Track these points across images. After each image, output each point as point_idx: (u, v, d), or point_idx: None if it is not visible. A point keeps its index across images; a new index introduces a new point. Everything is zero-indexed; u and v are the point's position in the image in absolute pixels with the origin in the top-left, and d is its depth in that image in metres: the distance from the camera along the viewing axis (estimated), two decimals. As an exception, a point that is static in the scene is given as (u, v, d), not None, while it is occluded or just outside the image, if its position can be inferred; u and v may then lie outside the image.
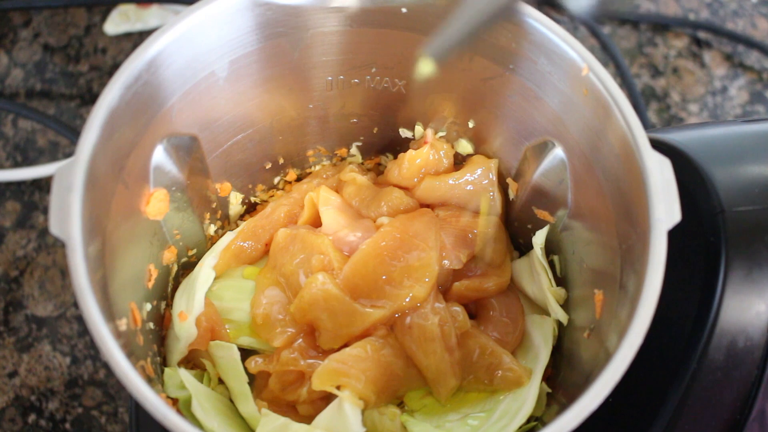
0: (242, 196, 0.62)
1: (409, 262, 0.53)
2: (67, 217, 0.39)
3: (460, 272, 0.56)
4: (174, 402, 0.51)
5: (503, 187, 0.59)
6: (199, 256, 0.58)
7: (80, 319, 0.69)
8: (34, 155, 0.77)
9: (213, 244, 0.59)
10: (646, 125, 0.81)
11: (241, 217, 0.63)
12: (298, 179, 0.64)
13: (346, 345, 0.52)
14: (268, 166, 0.61)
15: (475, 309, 0.58)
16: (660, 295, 0.39)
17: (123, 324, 0.45)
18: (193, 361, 0.55)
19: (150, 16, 0.83)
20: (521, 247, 0.61)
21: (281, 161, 0.62)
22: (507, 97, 0.53)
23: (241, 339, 0.55)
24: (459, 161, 0.60)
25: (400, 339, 0.53)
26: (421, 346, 0.52)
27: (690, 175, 0.49)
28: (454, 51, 0.28)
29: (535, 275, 0.56)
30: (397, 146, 0.62)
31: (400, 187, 0.59)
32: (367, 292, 0.53)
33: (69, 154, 0.77)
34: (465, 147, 0.59)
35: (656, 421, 0.47)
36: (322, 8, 0.49)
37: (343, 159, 0.64)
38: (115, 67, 0.75)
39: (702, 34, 0.88)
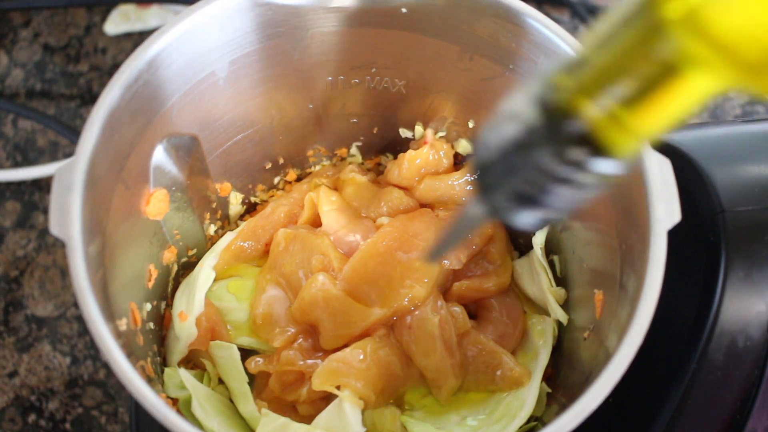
0: (242, 196, 0.62)
1: (409, 263, 0.53)
2: (67, 217, 0.39)
3: (460, 272, 0.56)
4: (174, 402, 0.51)
5: (503, 187, 0.59)
6: (199, 256, 0.58)
7: (80, 319, 0.69)
8: (34, 155, 0.77)
9: (213, 244, 0.59)
10: (646, 125, 0.80)
11: (241, 217, 0.63)
12: (298, 179, 0.64)
13: (346, 345, 0.52)
14: (268, 166, 0.61)
15: (475, 309, 0.58)
16: (660, 295, 0.39)
17: (123, 324, 0.45)
18: (193, 361, 0.55)
19: (150, 16, 0.83)
20: (521, 247, 0.61)
21: (281, 161, 0.62)
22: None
23: (241, 339, 0.55)
24: (459, 161, 0.60)
25: (400, 339, 0.53)
26: (421, 346, 0.52)
27: (690, 175, 0.49)
28: (444, 254, 0.39)
29: (535, 275, 0.56)
30: (397, 146, 0.62)
31: (400, 187, 0.59)
32: (367, 292, 0.53)
33: (69, 154, 0.77)
34: (465, 147, 0.59)
35: (656, 421, 0.47)
36: (322, 8, 0.49)
37: (343, 159, 0.64)
38: (115, 67, 0.75)
39: (702, 34, 0.88)
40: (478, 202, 0.32)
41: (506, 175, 0.29)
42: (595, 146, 0.27)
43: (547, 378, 0.54)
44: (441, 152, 0.59)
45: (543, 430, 0.37)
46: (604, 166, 0.27)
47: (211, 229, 0.60)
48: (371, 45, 0.52)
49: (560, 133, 0.27)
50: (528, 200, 0.29)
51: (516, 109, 0.29)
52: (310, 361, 0.53)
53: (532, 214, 0.30)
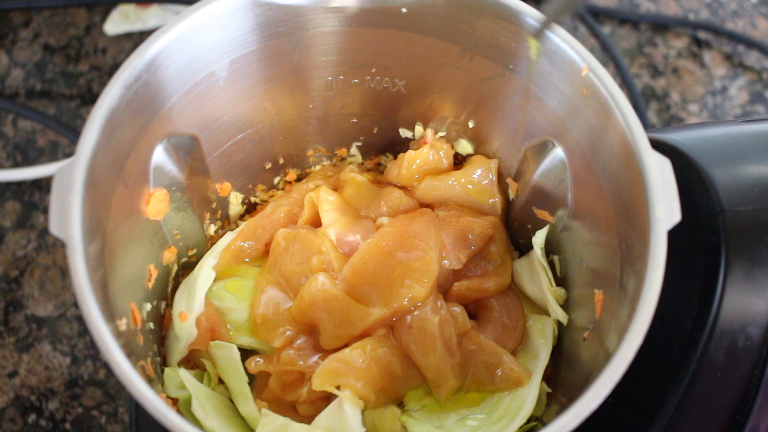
0: (242, 196, 0.62)
1: (409, 263, 0.53)
2: (67, 217, 0.39)
3: (460, 272, 0.56)
4: (174, 402, 0.51)
5: (503, 187, 0.59)
6: (199, 256, 0.58)
7: (80, 319, 0.69)
8: (34, 155, 0.77)
9: (213, 244, 0.59)
10: (646, 125, 0.81)
11: (241, 217, 0.63)
12: (298, 179, 0.64)
13: (346, 345, 0.52)
14: (268, 166, 0.61)
15: (475, 309, 0.58)
16: (660, 295, 0.39)
17: (123, 324, 0.45)
18: (193, 361, 0.55)
19: (150, 16, 0.83)
20: (521, 247, 0.61)
21: (281, 161, 0.62)
22: (507, 97, 0.53)
23: (241, 339, 0.55)
24: (459, 161, 0.60)
25: (400, 339, 0.53)
26: (421, 346, 0.52)
27: (690, 175, 0.49)
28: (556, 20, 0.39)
29: (535, 275, 0.56)
30: (397, 146, 0.62)
31: (400, 187, 0.59)
32: (367, 292, 0.53)
33: (69, 154, 0.77)
34: (465, 147, 0.59)
35: (656, 421, 0.47)
36: (322, 8, 0.49)
37: (343, 159, 0.64)
38: (115, 67, 0.75)
39: (702, 34, 0.88)
40: None
41: None
42: None
43: (547, 378, 0.54)
44: (441, 152, 0.59)
45: (543, 430, 0.37)
46: None
47: (211, 229, 0.60)
48: (371, 45, 0.52)
49: None
50: None
51: None
52: (310, 361, 0.53)
53: None
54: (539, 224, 0.56)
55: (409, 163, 0.58)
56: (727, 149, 0.51)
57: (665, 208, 0.41)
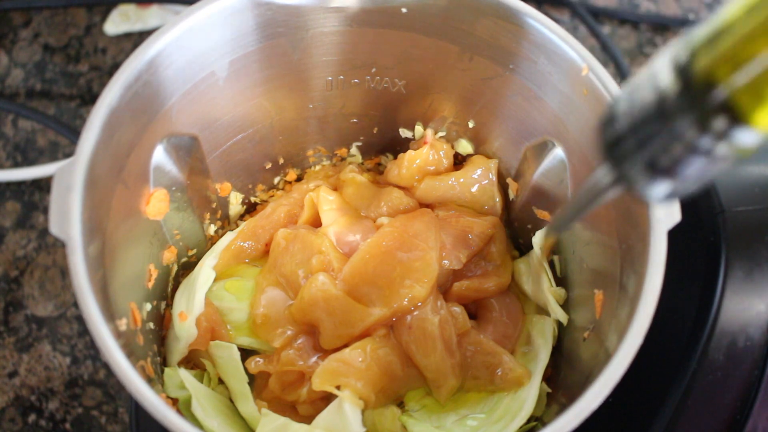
0: (242, 196, 0.62)
1: (409, 263, 0.53)
2: (67, 217, 0.39)
3: (460, 272, 0.56)
4: (174, 402, 0.51)
5: (503, 187, 0.59)
6: (199, 256, 0.58)
7: (80, 319, 0.69)
8: (34, 155, 0.77)
9: (213, 244, 0.59)
10: (646, 125, 0.80)
11: (241, 217, 0.63)
12: (298, 179, 0.64)
13: (346, 345, 0.52)
14: (268, 166, 0.61)
15: (475, 309, 0.58)
16: (660, 295, 0.39)
17: (123, 324, 0.45)
18: (193, 361, 0.55)
19: (150, 16, 0.83)
20: (521, 247, 0.61)
21: (281, 161, 0.62)
22: (507, 97, 0.53)
23: (241, 339, 0.55)
24: (459, 161, 0.60)
25: (400, 339, 0.53)
26: (421, 346, 0.52)
27: (690, 175, 0.48)
28: (569, 226, 0.37)
29: (535, 275, 0.56)
30: (397, 146, 0.62)
31: (400, 187, 0.59)
32: (367, 292, 0.53)
33: (69, 154, 0.77)
34: (465, 147, 0.59)
35: (656, 421, 0.47)
36: (322, 8, 0.49)
37: (343, 159, 0.64)
38: (115, 67, 0.75)
39: (702, 34, 0.88)
40: (607, 173, 0.31)
41: (641, 144, 0.28)
42: (734, 116, 0.26)
43: (547, 378, 0.54)
44: (441, 152, 0.59)
45: (543, 430, 0.37)
46: (744, 138, 0.26)
47: (211, 229, 0.60)
48: (371, 45, 0.52)
49: (702, 101, 0.26)
50: (660, 171, 0.29)
51: (653, 77, 0.28)
52: (310, 361, 0.53)
53: (664, 186, 0.29)
54: (539, 224, 0.56)
55: (409, 163, 0.58)
56: (727, 149, 0.51)
57: (665, 208, 0.41)
